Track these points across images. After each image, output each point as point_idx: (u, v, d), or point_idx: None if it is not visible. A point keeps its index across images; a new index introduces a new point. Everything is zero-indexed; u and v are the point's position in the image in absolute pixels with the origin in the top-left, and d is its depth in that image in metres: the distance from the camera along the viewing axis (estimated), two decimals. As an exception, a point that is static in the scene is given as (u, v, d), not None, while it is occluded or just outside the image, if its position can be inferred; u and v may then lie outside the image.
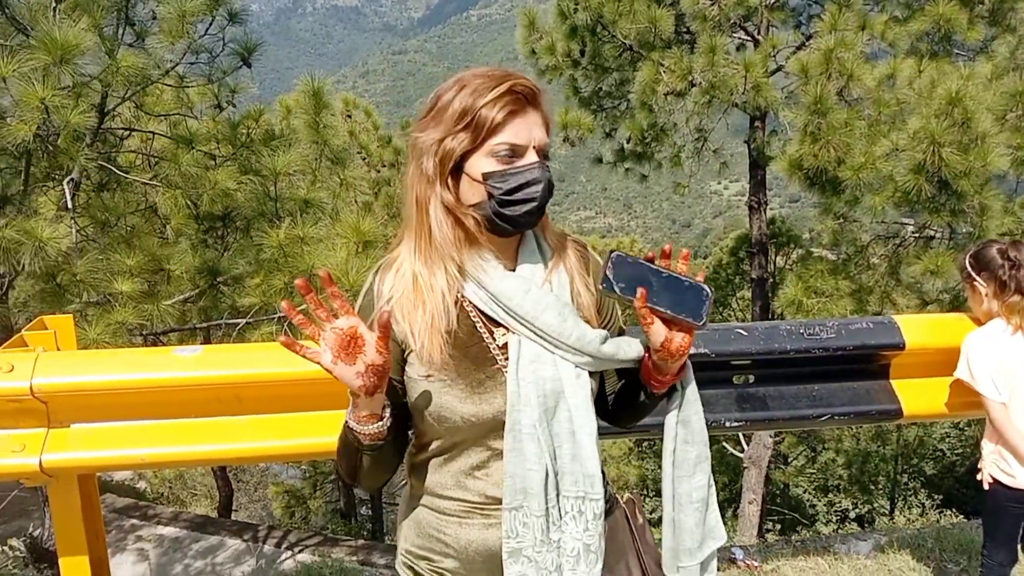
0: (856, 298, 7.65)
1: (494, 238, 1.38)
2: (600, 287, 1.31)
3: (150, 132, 6.37)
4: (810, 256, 9.91)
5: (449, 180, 1.34)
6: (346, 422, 1.34)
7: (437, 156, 1.33)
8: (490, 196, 1.32)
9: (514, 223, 1.34)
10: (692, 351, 2.45)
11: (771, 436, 10.79)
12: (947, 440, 17.33)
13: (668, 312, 1.29)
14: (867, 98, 7.18)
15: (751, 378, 2.67)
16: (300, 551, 5.11)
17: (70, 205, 5.22)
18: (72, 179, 5.35)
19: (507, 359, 1.36)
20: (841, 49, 7.15)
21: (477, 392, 1.35)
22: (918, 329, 2.81)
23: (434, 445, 1.41)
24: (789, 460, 17.71)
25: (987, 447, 2.82)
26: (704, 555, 1.50)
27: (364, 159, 10.43)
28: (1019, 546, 2.89)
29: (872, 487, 17.19)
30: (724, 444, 14.02)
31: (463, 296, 1.38)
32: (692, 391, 1.47)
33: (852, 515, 17.01)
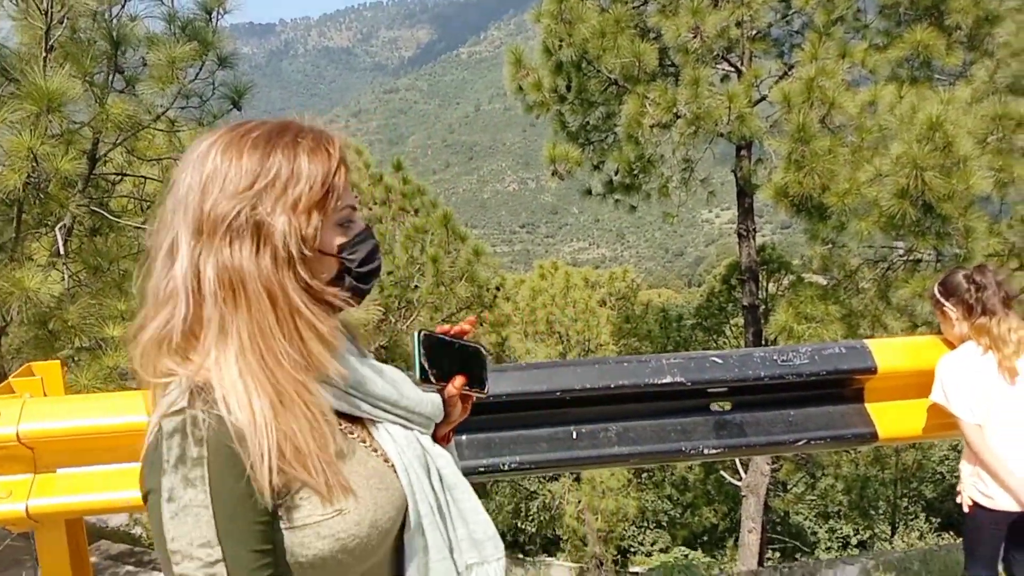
0: (847, 323, 7.69)
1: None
2: (420, 380, 1.21)
3: (142, 176, 6.43)
4: (801, 282, 9.96)
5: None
6: None
7: (298, 233, 1.06)
8: (346, 271, 1.12)
9: (362, 296, 1.16)
10: (668, 379, 2.50)
11: (768, 463, 10.75)
12: (946, 462, 17.29)
13: (466, 389, 1.27)
14: (849, 125, 7.29)
15: (728, 405, 2.70)
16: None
17: (62, 251, 5.25)
18: (64, 225, 5.39)
19: (379, 453, 1.16)
20: (822, 77, 7.26)
21: (386, 501, 1.12)
22: (890, 353, 2.85)
23: None
24: (788, 487, 17.62)
25: (965, 469, 2.86)
26: None
27: (356, 197, 10.50)
28: (1000, 566, 2.90)
29: (872, 512, 17.12)
30: (722, 473, 13.96)
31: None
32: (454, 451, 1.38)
33: (854, 541, 16.91)
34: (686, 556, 13.94)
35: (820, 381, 2.71)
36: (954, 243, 6.68)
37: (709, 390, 2.63)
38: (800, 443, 2.68)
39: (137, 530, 13.29)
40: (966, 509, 2.83)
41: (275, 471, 1.00)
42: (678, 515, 18.19)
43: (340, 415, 1.13)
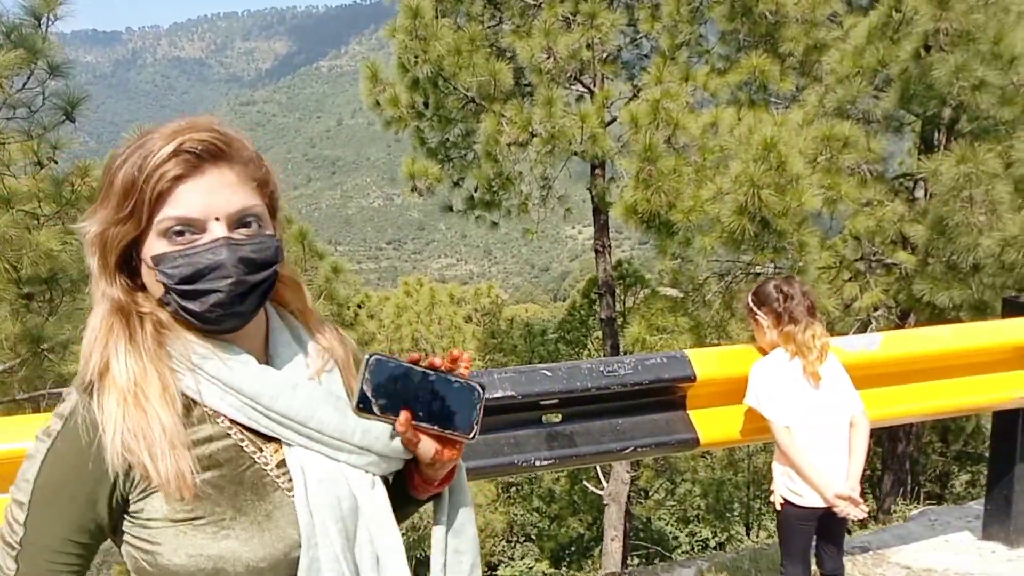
0: (695, 333, 8.02)
1: (226, 334, 1.10)
2: (356, 408, 1.07)
3: (-38, 192, 5.97)
4: (654, 295, 10.33)
5: (126, 271, 1.09)
6: None
7: (97, 247, 1.06)
8: (167, 288, 1.04)
9: (205, 320, 1.06)
10: (499, 393, 2.53)
11: (628, 471, 11.05)
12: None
13: (436, 430, 1.10)
14: (693, 145, 7.62)
15: (559, 416, 2.78)
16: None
17: None
18: None
19: (290, 480, 1.08)
20: (667, 100, 7.57)
21: (265, 529, 1.05)
22: (708, 361, 3.02)
23: None
24: (649, 494, 18.17)
25: (777, 469, 3.02)
26: None
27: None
28: (813, 561, 3.10)
29: (728, 514, 17.87)
30: (585, 483, 14.26)
31: (210, 408, 1.08)
32: (463, 496, 1.24)
33: (712, 543, 17.59)
34: (530, 568, 14.13)
35: (644, 390, 2.83)
36: (789, 257, 7.09)
37: (541, 402, 2.68)
38: (627, 451, 2.79)
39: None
40: (778, 507, 2.99)
41: (118, 450, 1.01)
42: (546, 527, 18.41)
43: (249, 431, 1.08)
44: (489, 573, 17.24)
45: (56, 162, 6.12)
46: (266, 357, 1.14)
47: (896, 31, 7.52)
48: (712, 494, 17.80)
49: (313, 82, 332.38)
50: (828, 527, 2.99)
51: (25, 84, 5.74)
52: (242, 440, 1.08)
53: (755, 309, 3.04)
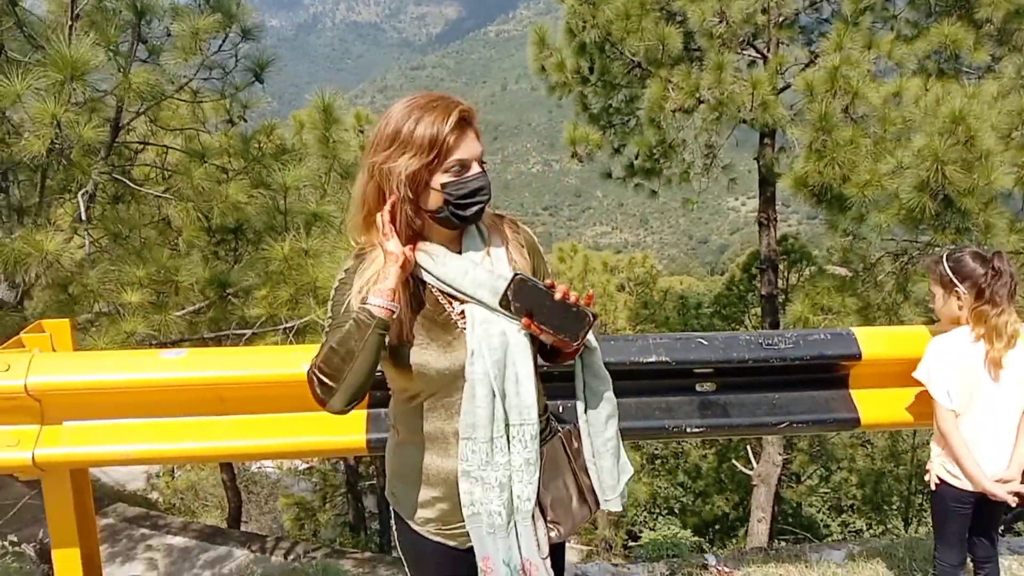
0: (863, 315, 7.63)
1: (443, 231, 1.77)
2: (499, 304, 1.69)
3: (164, 146, 6.50)
4: (821, 273, 9.89)
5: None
6: (361, 307, 1.68)
7: (408, 179, 1.67)
8: (447, 202, 1.70)
9: (466, 220, 1.74)
10: (654, 358, 2.55)
11: (780, 453, 10.74)
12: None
13: (551, 332, 1.68)
14: (872, 116, 7.19)
15: (713, 385, 2.74)
16: (307, 562, 5.16)
17: (84, 217, 5.32)
18: (86, 192, 5.45)
19: (465, 322, 1.74)
20: (847, 67, 7.16)
21: (447, 351, 1.74)
22: (876, 341, 2.86)
23: (415, 395, 1.79)
24: (801, 479, 17.56)
25: (935, 449, 2.86)
26: (621, 487, 1.92)
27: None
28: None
29: (886, 507, 17.01)
30: (734, 462, 13.97)
31: (423, 281, 1.77)
32: (594, 373, 1.89)
33: (866, 535, 16.83)
34: (675, 535, 14.02)
35: (805, 366, 2.75)
36: (974, 239, 6.60)
37: (695, 370, 2.66)
38: (783, 426, 2.72)
39: (154, 495, 13.53)
40: (933, 487, 2.84)
41: (360, 294, 1.73)
42: (690, 503, 18.19)
43: (444, 293, 1.76)
44: (629, 543, 17.28)
45: (245, 120, 6.54)
46: (460, 248, 1.78)
47: (1115, -6, 6.78)
48: (870, 485, 16.96)
49: (481, 47, 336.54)
50: (982, 513, 2.82)
51: (220, 47, 6.11)
52: (440, 298, 1.77)
53: (954, 280, 2.77)
